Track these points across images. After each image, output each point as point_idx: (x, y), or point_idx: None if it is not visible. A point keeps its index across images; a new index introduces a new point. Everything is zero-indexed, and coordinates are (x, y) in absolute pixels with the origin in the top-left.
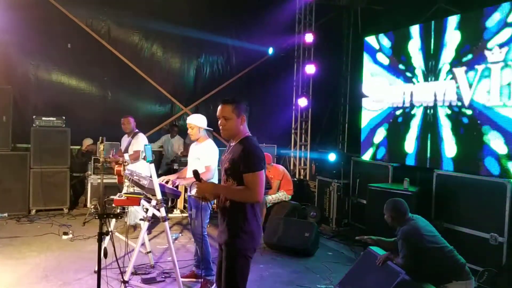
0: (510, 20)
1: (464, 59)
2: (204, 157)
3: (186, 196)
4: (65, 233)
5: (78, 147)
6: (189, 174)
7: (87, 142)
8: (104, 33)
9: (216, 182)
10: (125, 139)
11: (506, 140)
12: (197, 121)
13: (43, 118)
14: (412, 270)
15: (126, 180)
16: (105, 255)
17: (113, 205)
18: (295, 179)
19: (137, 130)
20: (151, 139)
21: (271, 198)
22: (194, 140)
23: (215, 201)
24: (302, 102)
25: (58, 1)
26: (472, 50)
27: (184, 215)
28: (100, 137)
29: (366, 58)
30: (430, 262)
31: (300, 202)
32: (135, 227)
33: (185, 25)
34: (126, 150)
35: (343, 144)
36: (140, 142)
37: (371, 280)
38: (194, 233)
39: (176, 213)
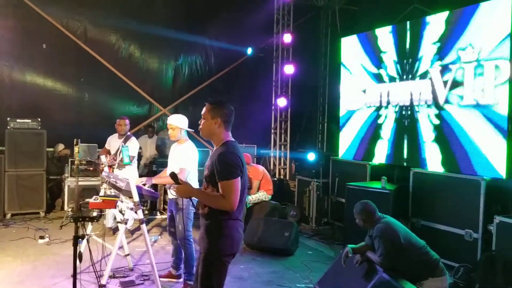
0: (482, 20)
1: (439, 59)
2: (181, 159)
3: (166, 198)
4: (42, 237)
5: (52, 149)
6: (168, 172)
7: (60, 147)
8: (80, 33)
9: (197, 184)
10: (114, 140)
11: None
12: (177, 122)
13: (18, 120)
14: (390, 268)
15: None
16: (80, 260)
17: (89, 208)
18: (275, 179)
19: (129, 133)
20: None
21: (251, 198)
22: (173, 141)
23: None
24: (281, 102)
25: (33, 1)
26: (447, 50)
27: (164, 216)
28: (75, 139)
29: (343, 58)
30: (406, 259)
31: (280, 201)
32: (115, 229)
33: (163, 25)
34: (117, 153)
35: (322, 144)
36: (134, 147)
37: (350, 278)
38: (180, 238)
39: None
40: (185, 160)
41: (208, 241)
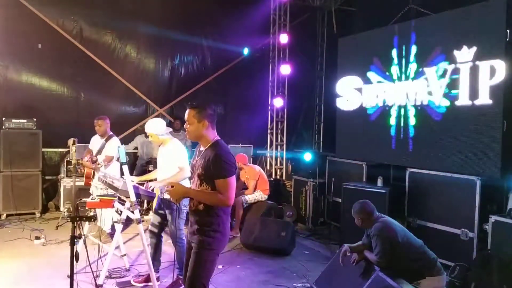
0: (477, 21)
1: (435, 59)
2: (175, 158)
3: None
4: (37, 238)
5: (50, 149)
6: (159, 175)
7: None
8: (76, 33)
9: (188, 181)
10: (96, 140)
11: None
12: (152, 129)
13: (13, 120)
14: (387, 267)
15: (93, 183)
16: (77, 259)
17: (86, 207)
18: (272, 179)
19: (111, 133)
20: (126, 141)
21: (248, 198)
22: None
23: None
24: (278, 102)
25: (28, 0)
26: (443, 50)
27: None
28: (72, 139)
29: (340, 58)
30: (403, 258)
31: (277, 201)
32: (112, 234)
33: (159, 25)
34: (99, 153)
35: (319, 144)
36: (114, 147)
37: (347, 278)
38: (172, 237)
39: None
40: (180, 158)
41: (201, 236)
